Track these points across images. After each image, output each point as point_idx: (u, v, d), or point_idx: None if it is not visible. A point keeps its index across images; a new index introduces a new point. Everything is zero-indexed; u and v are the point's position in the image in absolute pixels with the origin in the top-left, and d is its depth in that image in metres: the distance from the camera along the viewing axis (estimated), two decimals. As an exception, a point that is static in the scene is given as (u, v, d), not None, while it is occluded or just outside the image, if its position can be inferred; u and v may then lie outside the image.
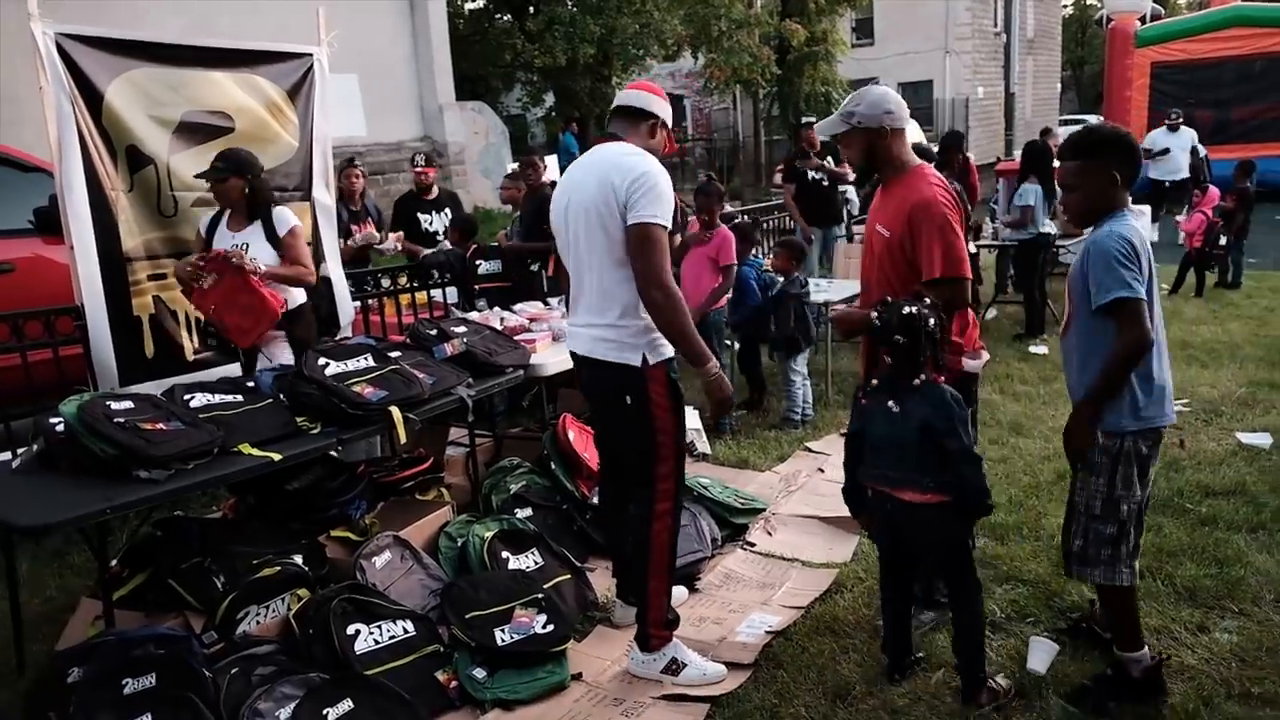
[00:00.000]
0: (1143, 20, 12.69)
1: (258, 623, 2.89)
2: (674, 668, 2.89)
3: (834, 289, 6.16)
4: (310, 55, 4.67)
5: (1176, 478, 4.19)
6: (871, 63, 27.63)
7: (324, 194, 4.79)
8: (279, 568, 3.00)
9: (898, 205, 2.83)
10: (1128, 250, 2.42)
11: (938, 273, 2.74)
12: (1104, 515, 2.57)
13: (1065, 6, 39.86)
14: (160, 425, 2.80)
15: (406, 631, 2.90)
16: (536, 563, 3.45)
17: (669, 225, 2.71)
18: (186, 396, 3.09)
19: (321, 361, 3.30)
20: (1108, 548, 2.58)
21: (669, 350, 2.82)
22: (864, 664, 2.92)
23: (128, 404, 2.87)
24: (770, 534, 3.95)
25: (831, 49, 21.87)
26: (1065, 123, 22.25)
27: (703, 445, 4.89)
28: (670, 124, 2.96)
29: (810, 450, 5.00)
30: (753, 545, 3.87)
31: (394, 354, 3.57)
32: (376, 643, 2.82)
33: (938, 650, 2.93)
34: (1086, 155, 2.58)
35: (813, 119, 8.74)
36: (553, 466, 3.98)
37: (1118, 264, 2.41)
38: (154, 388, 3.47)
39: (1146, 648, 2.67)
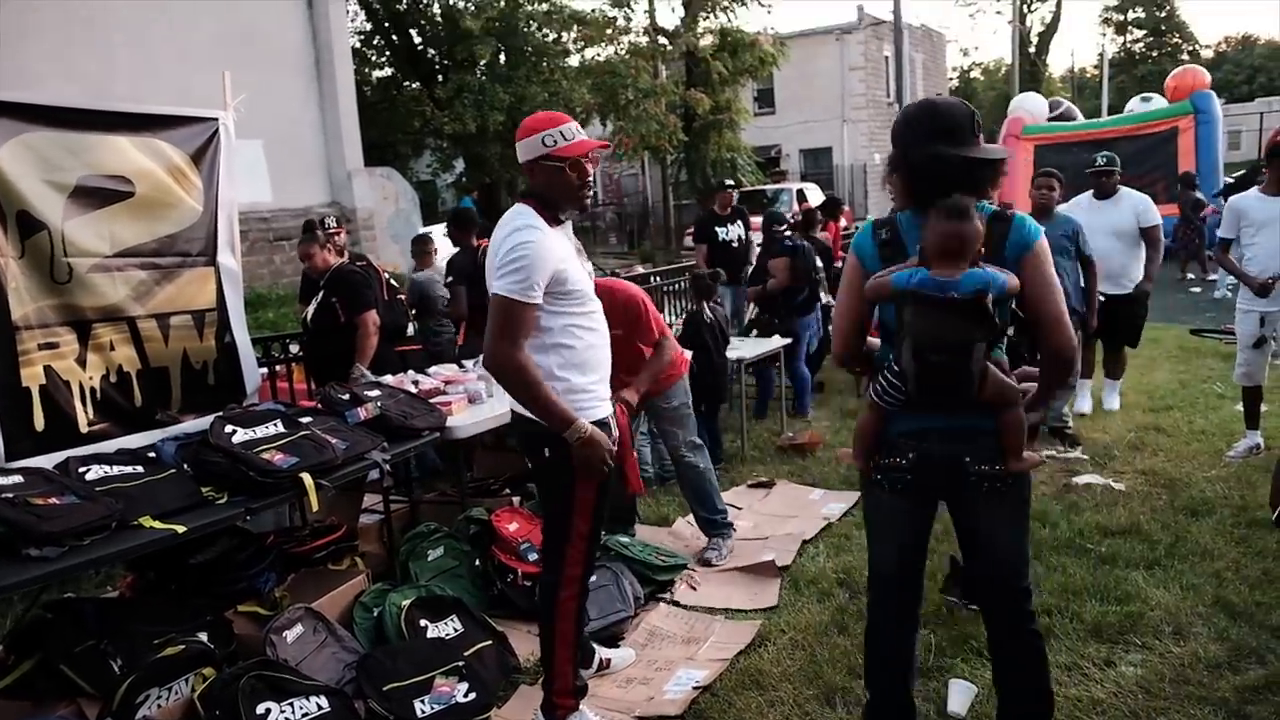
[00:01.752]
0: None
1: (159, 706, 2.72)
2: None
3: (745, 347, 6.28)
4: (215, 120, 4.61)
5: (1077, 520, 4.37)
6: (773, 130, 28.76)
7: (229, 259, 4.67)
8: (183, 646, 2.84)
9: None
10: None
11: None
12: None
13: (950, 79, 42.35)
14: (52, 500, 2.65)
15: (321, 708, 2.76)
16: (456, 629, 3.36)
17: (519, 297, 2.56)
18: (81, 469, 2.94)
19: (228, 429, 3.19)
20: None
21: (593, 413, 2.73)
22: (789, 717, 2.93)
23: (16, 479, 2.71)
24: (695, 588, 3.95)
25: (735, 117, 22.69)
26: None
27: (622, 504, 4.88)
28: (553, 144, 2.65)
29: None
30: (677, 603, 3.86)
31: (305, 419, 3.47)
32: (289, 721, 2.69)
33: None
34: None
35: (730, 184, 9.13)
36: (472, 530, 3.91)
37: None
38: (44, 461, 3.29)
39: None
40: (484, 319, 5.72)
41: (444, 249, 6.90)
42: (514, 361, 2.59)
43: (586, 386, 2.74)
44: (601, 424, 2.75)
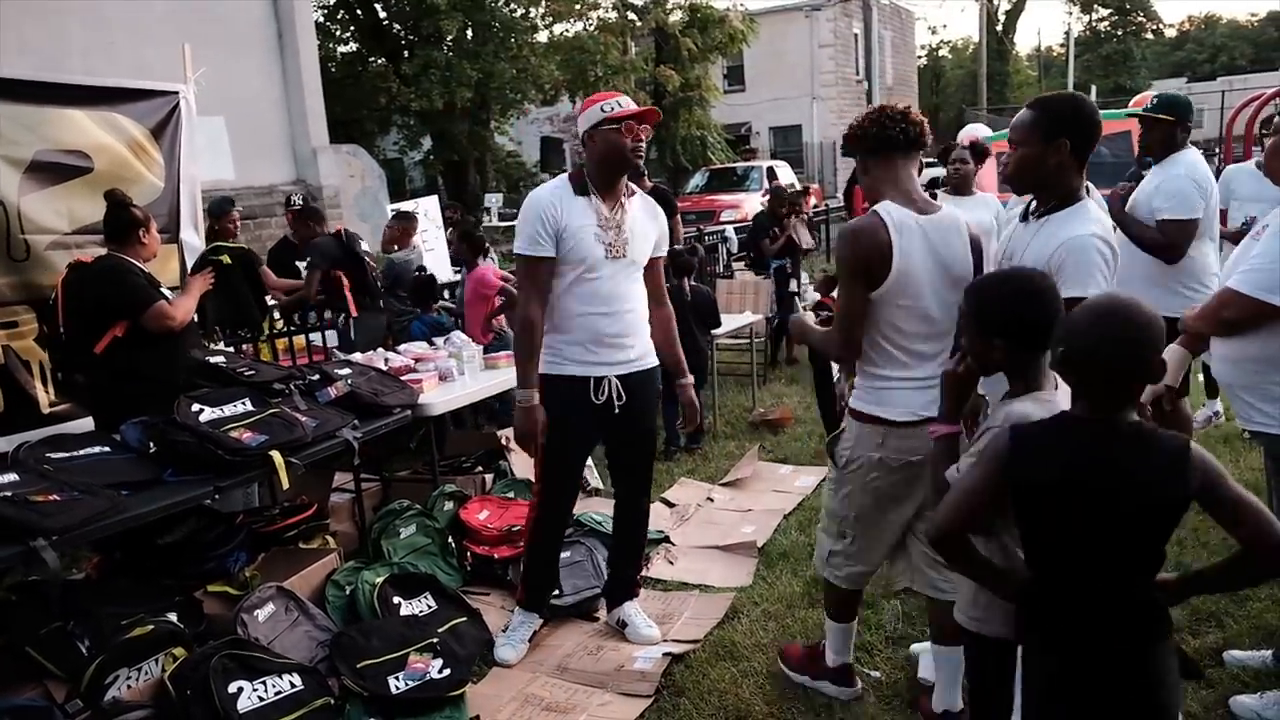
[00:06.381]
0: None
1: (128, 687, 2.69)
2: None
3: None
4: (176, 94, 4.51)
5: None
6: (743, 108, 28.66)
7: (192, 236, 4.61)
8: (152, 626, 2.80)
9: None
10: None
11: None
12: None
13: (919, 58, 42.49)
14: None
15: (294, 686, 2.75)
16: (429, 607, 3.36)
17: (525, 251, 2.89)
18: (49, 454, 2.87)
19: (195, 407, 3.14)
20: None
21: (553, 368, 3.00)
22: (763, 687, 2.96)
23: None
24: (671, 563, 3.97)
25: (705, 95, 22.58)
26: (929, 164, 23.48)
27: (594, 480, 4.87)
28: (596, 122, 2.88)
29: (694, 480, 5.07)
30: (651, 579, 3.87)
31: (274, 397, 3.43)
32: (261, 699, 2.66)
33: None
34: None
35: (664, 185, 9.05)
36: (449, 507, 3.91)
37: None
38: (4, 444, 3.23)
39: None
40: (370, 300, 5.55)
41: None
42: (522, 315, 2.96)
43: (555, 344, 2.99)
44: (564, 380, 2.98)
